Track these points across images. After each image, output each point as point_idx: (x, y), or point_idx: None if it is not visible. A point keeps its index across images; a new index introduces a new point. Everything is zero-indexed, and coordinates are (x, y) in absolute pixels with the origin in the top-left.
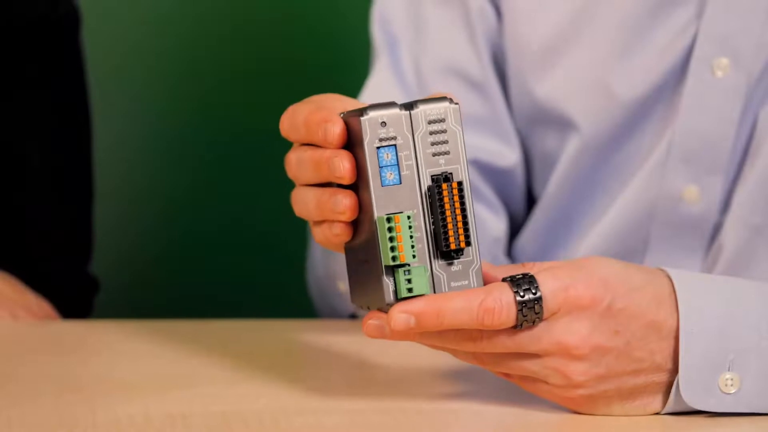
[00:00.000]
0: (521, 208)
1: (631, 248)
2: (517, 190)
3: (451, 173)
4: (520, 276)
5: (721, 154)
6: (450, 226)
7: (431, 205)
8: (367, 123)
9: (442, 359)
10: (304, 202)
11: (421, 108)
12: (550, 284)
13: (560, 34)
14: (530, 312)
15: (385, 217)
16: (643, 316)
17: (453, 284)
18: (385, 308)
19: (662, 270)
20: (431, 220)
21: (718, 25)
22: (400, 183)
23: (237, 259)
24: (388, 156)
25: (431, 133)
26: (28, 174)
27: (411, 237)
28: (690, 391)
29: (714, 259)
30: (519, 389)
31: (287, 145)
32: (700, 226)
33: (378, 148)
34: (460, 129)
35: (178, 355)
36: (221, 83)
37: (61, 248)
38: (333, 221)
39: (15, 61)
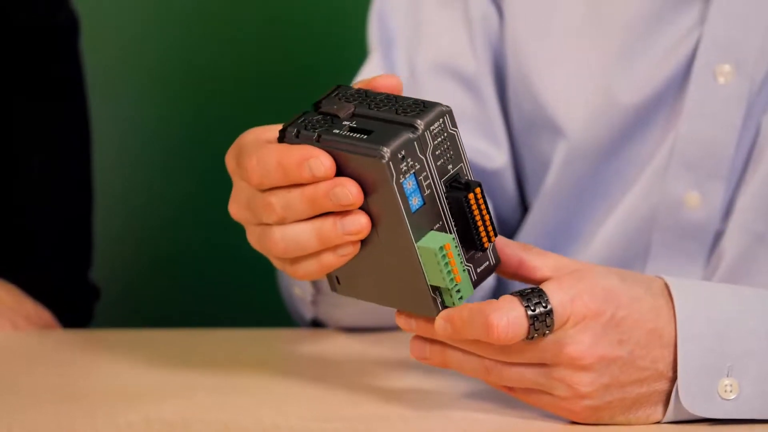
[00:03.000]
0: (512, 214)
1: (632, 255)
2: (505, 194)
3: (464, 177)
4: (529, 290)
5: (723, 161)
6: (482, 230)
7: (451, 209)
8: (391, 164)
9: (451, 372)
10: (293, 239)
11: (423, 123)
12: (558, 296)
13: (562, 38)
14: (542, 325)
15: (438, 247)
16: (644, 324)
17: (479, 269)
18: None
19: (659, 277)
20: (453, 222)
21: (721, 32)
22: (424, 203)
23: (237, 268)
24: (410, 184)
25: (437, 145)
26: (27, 181)
27: (459, 255)
28: (689, 397)
29: (715, 266)
30: (523, 407)
31: None
32: (702, 233)
33: (401, 181)
34: (457, 130)
35: (179, 364)
36: (222, 90)
37: (60, 256)
38: (339, 245)
39: (14, 68)
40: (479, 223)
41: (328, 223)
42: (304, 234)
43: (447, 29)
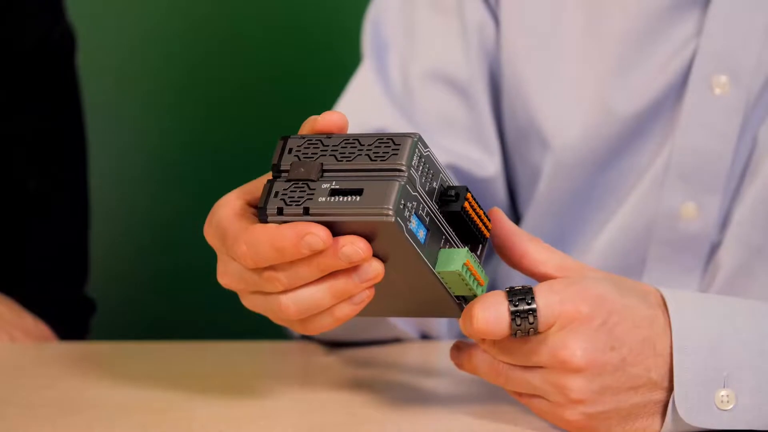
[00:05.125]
0: None
1: (629, 266)
2: (496, 202)
3: (446, 185)
4: (519, 287)
5: (720, 172)
6: (480, 224)
7: (449, 222)
8: (398, 219)
9: (443, 381)
10: (306, 302)
11: (405, 163)
12: (546, 297)
13: (559, 48)
14: (524, 322)
15: (461, 266)
16: (637, 332)
17: (477, 252)
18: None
19: (655, 288)
20: (454, 232)
21: (718, 43)
22: (428, 230)
23: None
24: (414, 223)
25: (420, 174)
26: (24, 197)
27: (476, 261)
28: (686, 407)
29: (712, 277)
30: (515, 415)
31: None
32: (698, 245)
33: (409, 226)
34: (429, 149)
35: (176, 377)
36: (221, 102)
37: (57, 270)
38: (356, 294)
39: (11, 86)
40: (477, 221)
41: (341, 279)
42: (317, 294)
43: (441, 36)
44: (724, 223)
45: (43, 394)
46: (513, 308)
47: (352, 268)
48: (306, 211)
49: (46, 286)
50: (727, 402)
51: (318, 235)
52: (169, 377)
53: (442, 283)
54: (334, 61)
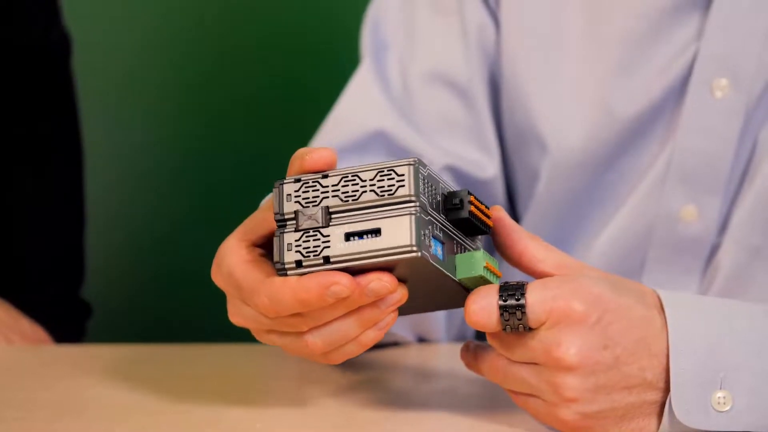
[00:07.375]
0: None
1: (628, 268)
2: (494, 204)
3: (447, 191)
4: (514, 283)
5: (720, 174)
6: (485, 218)
7: (458, 228)
8: (426, 254)
9: (441, 383)
10: (332, 337)
11: (413, 192)
12: (537, 294)
13: (559, 51)
14: (512, 317)
15: (482, 270)
16: (632, 332)
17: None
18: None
19: (652, 289)
20: (463, 233)
21: (718, 46)
22: (443, 244)
23: None
24: (432, 246)
25: (428, 195)
26: (21, 200)
27: (490, 257)
28: (683, 409)
29: (711, 279)
30: (512, 417)
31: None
32: (698, 247)
33: (431, 250)
34: (428, 167)
35: (175, 379)
36: (217, 107)
37: (53, 274)
38: (382, 318)
39: (9, 86)
40: (482, 218)
41: (367, 310)
42: (343, 327)
43: (441, 37)
44: (723, 225)
45: (41, 396)
46: (502, 303)
47: (381, 300)
48: (327, 260)
49: (42, 289)
50: (724, 403)
51: (342, 283)
52: (168, 379)
53: (462, 286)
54: (334, 62)
